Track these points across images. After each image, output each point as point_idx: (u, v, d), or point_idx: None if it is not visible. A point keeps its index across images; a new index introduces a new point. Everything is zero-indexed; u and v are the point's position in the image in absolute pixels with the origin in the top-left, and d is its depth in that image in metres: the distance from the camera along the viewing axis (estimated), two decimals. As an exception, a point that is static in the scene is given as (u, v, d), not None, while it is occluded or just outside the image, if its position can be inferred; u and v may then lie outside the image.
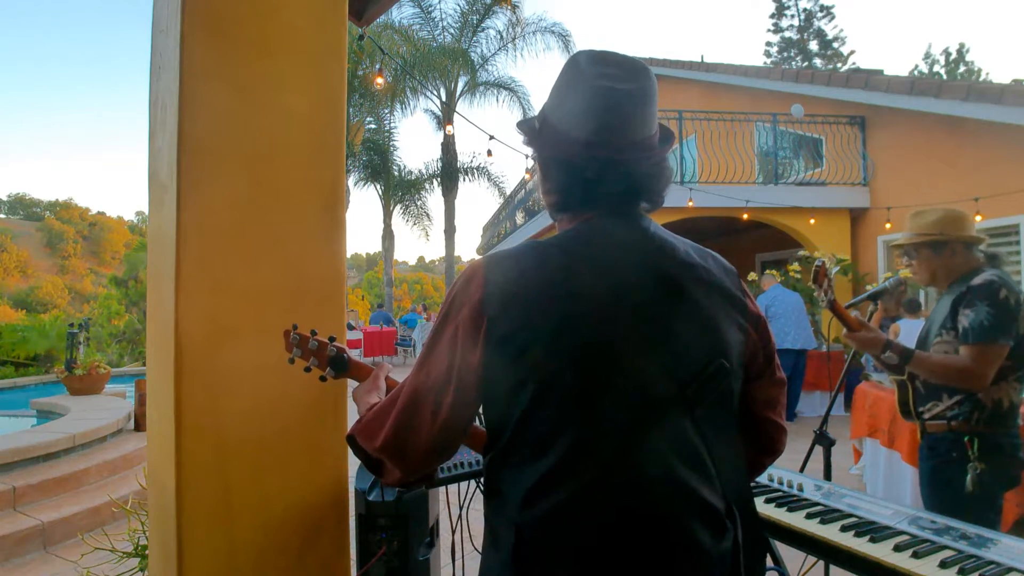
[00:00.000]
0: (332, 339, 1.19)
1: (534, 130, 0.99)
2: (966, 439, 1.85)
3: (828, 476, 2.06)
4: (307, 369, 1.20)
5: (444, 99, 16.03)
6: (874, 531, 1.39)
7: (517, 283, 0.84)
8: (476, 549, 1.94)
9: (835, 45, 28.15)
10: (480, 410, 0.90)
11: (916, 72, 28.54)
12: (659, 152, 0.95)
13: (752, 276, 8.40)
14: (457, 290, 0.88)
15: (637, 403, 0.82)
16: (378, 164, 16.98)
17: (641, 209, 0.96)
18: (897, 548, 1.30)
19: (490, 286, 0.84)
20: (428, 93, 16.13)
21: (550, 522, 0.79)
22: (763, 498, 1.64)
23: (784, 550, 1.71)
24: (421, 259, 74.34)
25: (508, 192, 16.11)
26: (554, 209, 0.98)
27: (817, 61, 28.05)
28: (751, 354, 0.95)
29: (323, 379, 1.19)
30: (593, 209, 0.93)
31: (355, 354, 1.22)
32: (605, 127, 0.90)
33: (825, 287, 1.92)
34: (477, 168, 17.21)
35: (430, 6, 15.99)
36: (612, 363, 0.82)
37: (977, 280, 1.89)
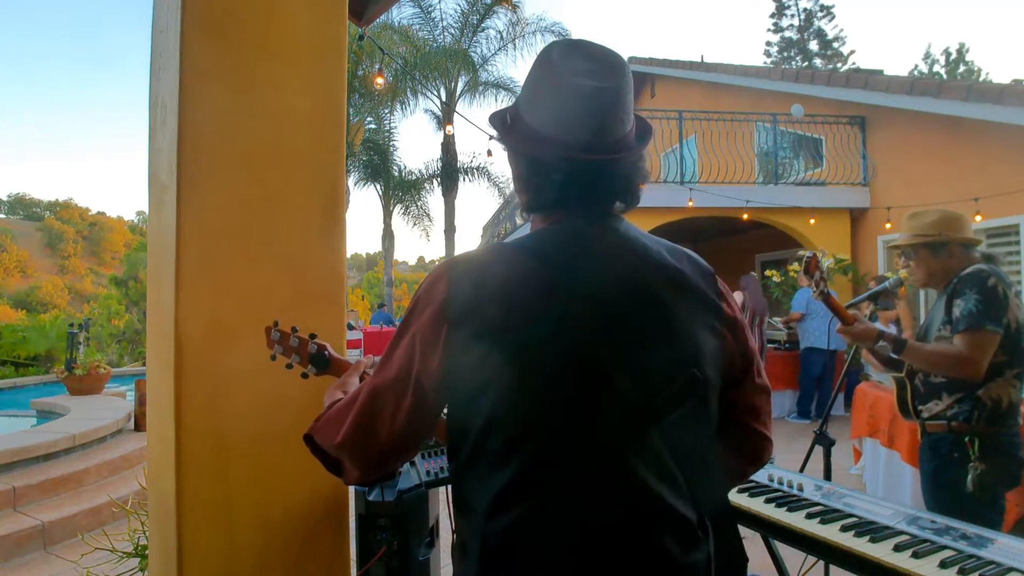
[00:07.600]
0: (313, 336, 1.18)
1: (506, 124, 0.94)
2: (966, 439, 1.85)
3: (828, 476, 2.06)
4: (289, 366, 1.19)
5: (444, 99, 16.00)
6: (874, 531, 1.39)
7: (481, 287, 0.81)
8: (476, 549, 1.95)
9: (835, 45, 28.17)
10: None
11: (916, 72, 28.54)
12: (636, 151, 0.90)
13: (770, 272, 8.36)
14: (421, 292, 0.85)
15: (602, 411, 0.78)
16: (378, 164, 16.95)
17: (615, 209, 0.92)
18: (897, 548, 1.31)
19: (453, 289, 0.82)
20: (428, 93, 16.11)
21: (515, 533, 0.77)
22: (763, 498, 1.65)
23: (784, 550, 1.71)
24: (421, 259, 74.23)
25: (508, 192, 16.10)
26: (525, 208, 0.94)
27: (817, 61, 28.05)
28: (728, 359, 0.91)
29: (304, 376, 1.19)
30: (565, 209, 0.89)
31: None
32: (580, 128, 0.85)
33: (817, 278, 1.91)
34: (477, 168, 17.17)
35: (430, 6, 15.95)
36: (577, 370, 0.79)
37: (966, 271, 1.91)
